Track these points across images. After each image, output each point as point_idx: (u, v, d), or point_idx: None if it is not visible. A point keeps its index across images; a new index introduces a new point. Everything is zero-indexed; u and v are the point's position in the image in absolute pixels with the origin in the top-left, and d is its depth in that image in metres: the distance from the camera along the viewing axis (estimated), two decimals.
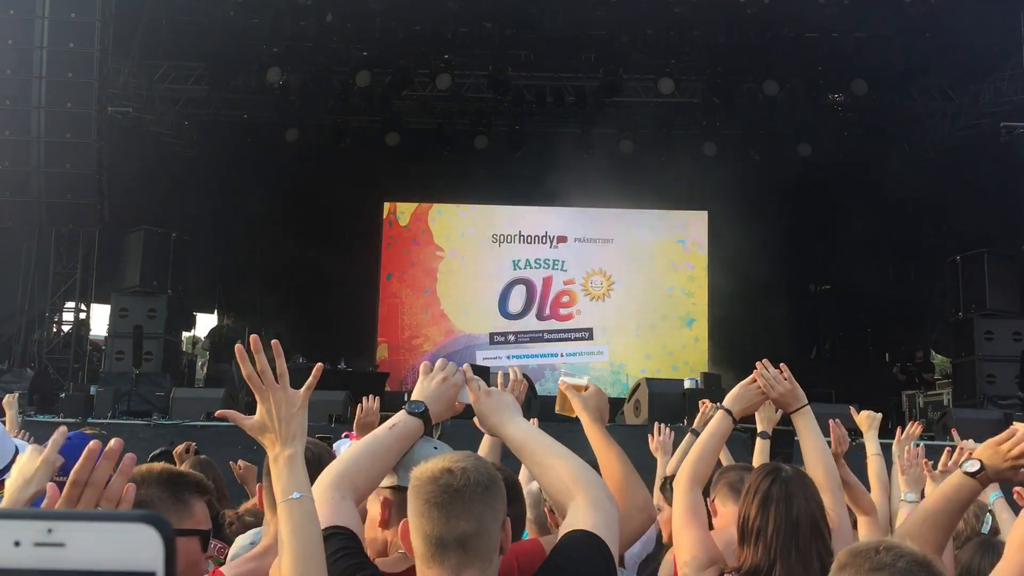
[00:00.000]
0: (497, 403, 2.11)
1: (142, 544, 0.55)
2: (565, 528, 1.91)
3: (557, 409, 2.58)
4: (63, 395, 11.00)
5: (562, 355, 16.51)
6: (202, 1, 12.72)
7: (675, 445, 4.63)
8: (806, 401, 2.93)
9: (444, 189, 16.44)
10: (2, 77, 11.13)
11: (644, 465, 4.69)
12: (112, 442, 1.61)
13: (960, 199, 13.58)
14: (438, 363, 2.23)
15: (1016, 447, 2.34)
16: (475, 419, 2.20)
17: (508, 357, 16.33)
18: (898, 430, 4.31)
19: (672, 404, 8.33)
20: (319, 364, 2.08)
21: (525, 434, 2.04)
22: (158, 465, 2.24)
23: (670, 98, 14.21)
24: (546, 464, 1.96)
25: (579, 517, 1.88)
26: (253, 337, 1.95)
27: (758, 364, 2.94)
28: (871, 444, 4.21)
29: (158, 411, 10.60)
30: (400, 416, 2.12)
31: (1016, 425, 2.53)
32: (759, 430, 3.98)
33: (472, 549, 1.80)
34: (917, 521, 2.31)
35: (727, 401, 2.93)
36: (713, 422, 2.89)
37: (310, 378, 1.97)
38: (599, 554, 1.86)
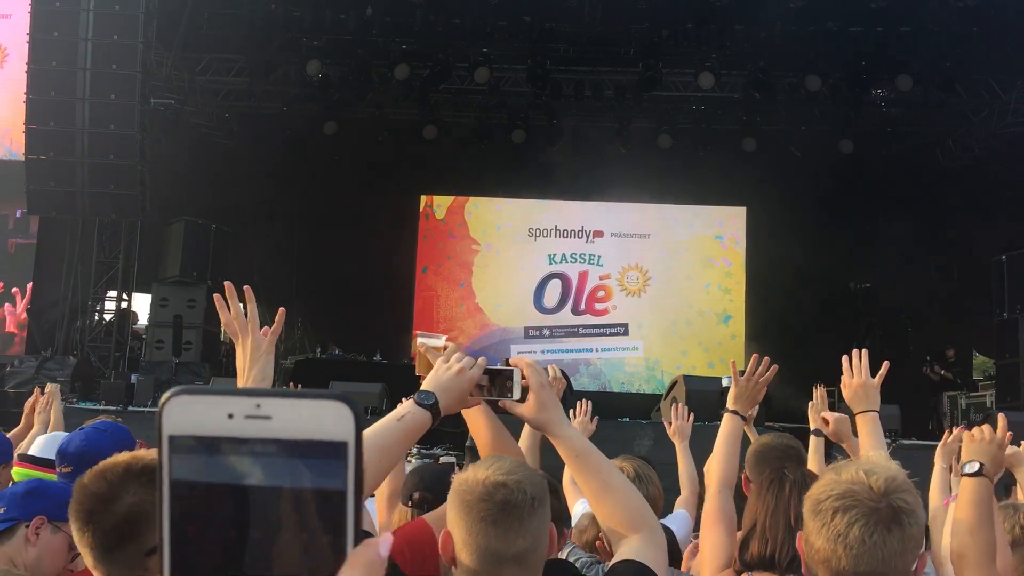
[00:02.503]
0: (556, 399, 1.91)
1: (336, 418, 0.63)
2: (624, 555, 1.84)
3: (417, 371, 2.34)
4: (104, 382, 11.17)
5: (597, 350, 16.46)
6: None
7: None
8: (877, 406, 2.87)
9: (481, 183, 16.45)
10: (48, 68, 11.31)
11: (673, 461, 4.66)
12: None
13: (1006, 196, 13.30)
14: (455, 354, 1.99)
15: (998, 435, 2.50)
16: (519, 408, 1.91)
17: (543, 352, 16.31)
18: (946, 434, 4.16)
19: (710, 402, 8.24)
20: (281, 309, 2.22)
21: (585, 445, 1.88)
22: (132, 460, 1.93)
23: (710, 93, 14.08)
24: (611, 487, 1.83)
25: (640, 551, 1.81)
26: (227, 284, 2.11)
27: (853, 352, 2.90)
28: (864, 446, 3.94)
29: None
30: (408, 406, 1.89)
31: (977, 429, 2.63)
32: (812, 428, 3.91)
33: (527, 563, 1.77)
34: (961, 534, 2.31)
35: (730, 402, 2.89)
36: (726, 426, 2.85)
37: (275, 323, 2.12)
38: None
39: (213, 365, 12.20)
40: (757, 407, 4.89)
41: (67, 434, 3.66)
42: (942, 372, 13.19)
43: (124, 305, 13.13)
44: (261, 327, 2.04)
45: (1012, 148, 13.55)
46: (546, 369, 3.42)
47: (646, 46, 13.79)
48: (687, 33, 13.46)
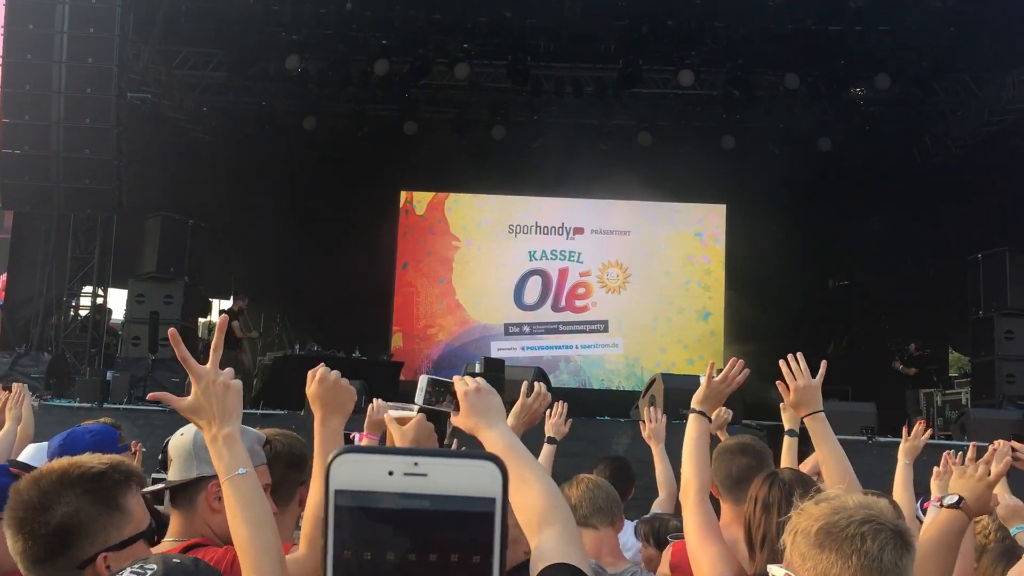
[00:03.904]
0: (486, 402, 1.91)
1: (486, 476, 0.70)
2: (542, 559, 1.83)
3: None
4: (79, 379, 11.05)
5: (577, 347, 16.48)
6: None
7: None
8: (821, 407, 2.81)
9: (461, 179, 16.41)
10: (22, 62, 11.17)
11: (650, 459, 4.65)
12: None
13: (982, 195, 13.42)
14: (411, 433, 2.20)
15: (990, 474, 2.50)
16: (455, 418, 1.97)
17: (523, 348, 16.32)
18: (904, 431, 4.17)
19: (688, 400, 8.27)
20: (223, 316, 2.12)
21: (509, 443, 1.86)
22: (70, 467, 1.87)
23: (689, 90, 14.10)
24: (527, 480, 1.80)
25: (559, 550, 1.78)
26: (171, 331, 2.00)
27: (789, 357, 2.82)
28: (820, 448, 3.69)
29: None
30: None
31: (970, 455, 2.62)
32: (786, 428, 3.89)
33: None
34: (921, 555, 2.31)
35: (696, 403, 2.82)
36: (692, 428, 2.77)
37: (214, 338, 1.94)
38: None
39: None
40: (731, 414, 4.91)
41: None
42: (901, 367, 13.28)
43: (100, 301, 12.99)
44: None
45: (989, 146, 13.67)
46: (532, 385, 3.41)
47: (626, 43, 13.79)
48: (667, 30, 13.45)
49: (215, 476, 2.49)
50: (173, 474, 2.45)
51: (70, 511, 1.79)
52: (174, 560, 1.57)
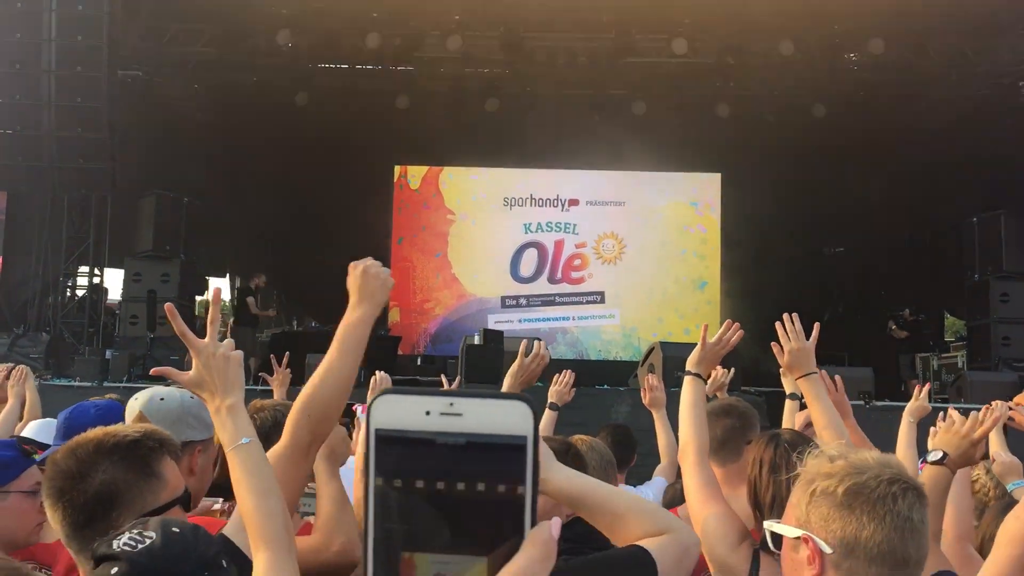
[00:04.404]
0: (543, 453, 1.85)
1: (518, 415, 0.73)
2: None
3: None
4: (78, 359, 11.07)
5: (573, 318, 16.51)
6: None
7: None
8: (815, 367, 2.82)
9: (455, 152, 16.34)
10: (12, 40, 11.09)
11: (651, 427, 4.70)
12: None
13: (977, 159, 13.41)
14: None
15: (976, 429, 2.50)
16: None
17: (520, 321, 16.35)
18: (916, 389, 4.21)
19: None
20: (216, 289, 2.06)
21: (580, 486, 1.76)
22: (106, 436, 1.90)
23: (683, 58, 14.03)
24: (618, 514, 1.73)
25: (651, 540, 1.73)
26: (168, 306, 2.03)
27: (784, 317, 2.83)
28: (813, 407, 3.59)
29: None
30: None
31: (951, 412, 2.64)
32: (787, 392, 3.92)
33: None
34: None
35: (691, 365, 2.80)
36: (688, 390, 2.76)
37: (210, 310, 1.95)
38: (640, 565, 1.73)
39: None
40: (730, 374, 4.93)
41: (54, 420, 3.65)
42: (893, 327, 13.36)
43: (96, 280, 12.98)
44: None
45: (983, 111, 13.64)
46: (532, 342, 3.43)
47: (618, 12, 13.70)
48: None
49: (200, 441, 2.52)
50: None
51: (107, 478, 1.84)
52: (173, 528, 1.59)
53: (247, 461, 1.81)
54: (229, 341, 1.93)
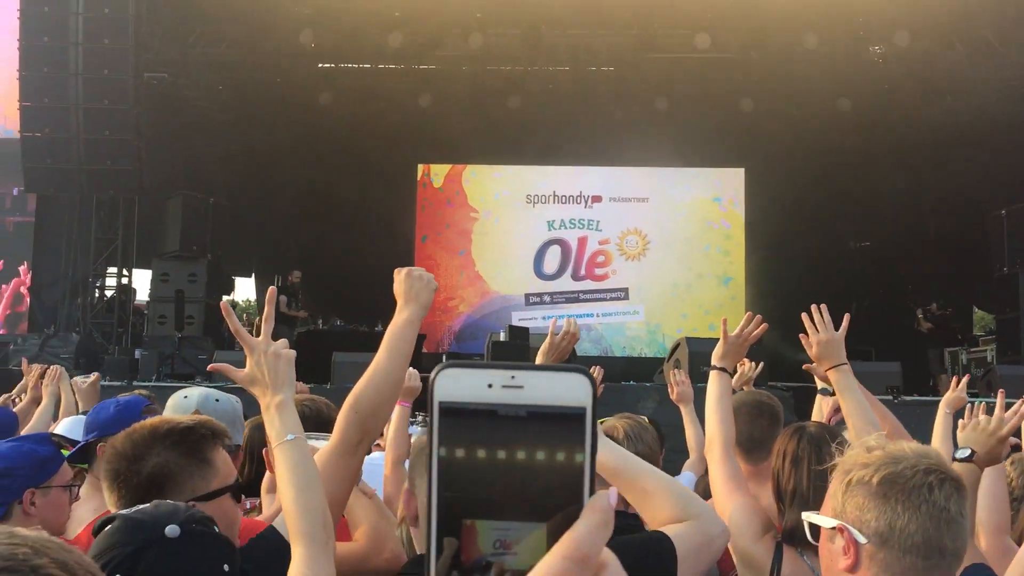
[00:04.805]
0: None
1: (577, 387, 0.75)
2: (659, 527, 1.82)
3: None
4: (108, 358, 11.20)
5: (598, 315, 16.50)
6: None
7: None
8: (845, 359, 2.78)
9: (478, 150, 16.37)
10: (40, 44, 11.23)
11: (678, 423, 4.70)
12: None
13: (1005, 151, 13.25)
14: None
15: (1002, 426, 2.49)
16: None
17: (544, 318, 16.34)
18: (954, 381, 4.18)
19: None
20: (271, 289, 2.11)
21: (618, 458, 1.85)
22: (161, 423, 2.03)
23: (706, 53, 13.96)
24: (648, 491, 1.80)
25: (674, 527, 1.79)
26: (223, 304, 2.09)
27: (812, 308, 2.80)
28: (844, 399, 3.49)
29: (201, 374, 10.78)
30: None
31: (977, 409, 2.61)
32: (819, 387, 3.89)
33: None
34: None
35: (716, 359, 2.83)
36: (714, 384, 2.78)
37: (265, 310, 2.01)
38: (659, 552, 1.81)
39: (216, 338, 12.22)
40: (759, 368, 4.92)
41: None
42: (920, 319, 13.23)
43: (124, 281, 13.13)
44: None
45: (1010, 103, 13.47)
46: (560, 320, 3.45)
47: (641, 7, 13.66)
48: None
49: (238, 446, 2.58)
50: None
51: (160, 461, 1.93)
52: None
53: (292, 457, 1.85)
54: (282, 340, 1.98)
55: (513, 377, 0.75)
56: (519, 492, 0.74)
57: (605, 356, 15.77)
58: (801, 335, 2.81)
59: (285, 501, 1.83)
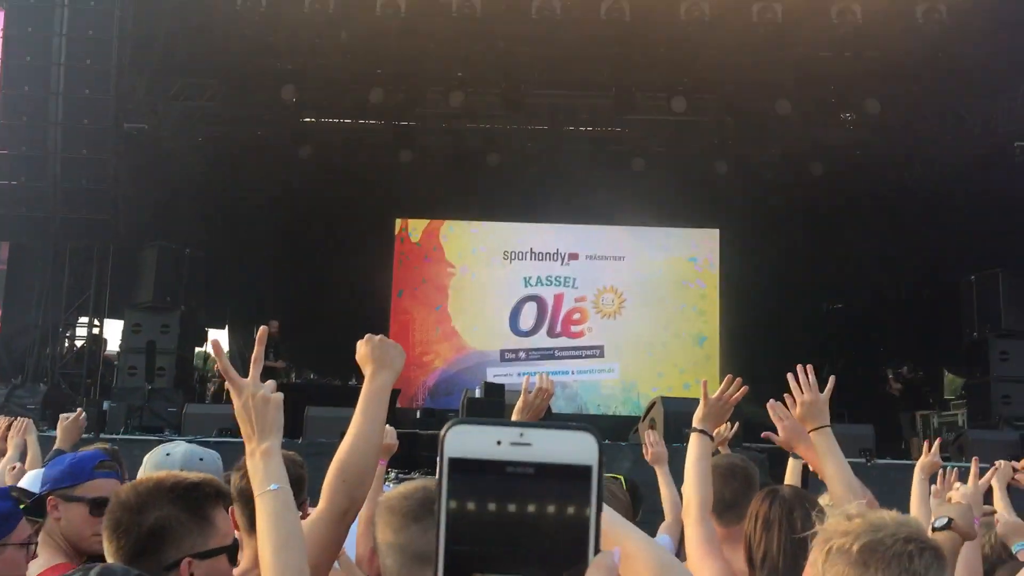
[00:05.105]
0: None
1: (584, 445, 0.77)
2: None
3: None
4: (75, 410, 10.99)
5: (573, 372, 16.47)
6: (217, 19, 12.81)
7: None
8: (828, 421, 2.79)
9: (456, 206, 16.47)
10: (20, 93, 11.24)
11: (652, 481, 4.67)
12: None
13: (974, 218, 13.51)
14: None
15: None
16: None
17: (519, 374, 16.28)
18: (925, 445, 4.21)
19: (688, 423, 8.28)
20: (263, 328, 2.10)
21: (605, 516, 1.81)
22: (167, 477, 2.02)
23: (682, 116, 14.22)
24: (629, 554, 1.69)
25: None
26: (214, 341, 2.25)
27: (798, 368, 2.81)
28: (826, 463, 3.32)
29: (170, 427, 10.62)
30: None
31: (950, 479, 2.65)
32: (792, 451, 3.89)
33: None
34: None
35: (697, 421, 2.84)
36: (694, 447, 2.77)
37: (255, 349, 1.96)
38: None
39: (186, 391, 12.07)
40: (735, 429, 4.92)
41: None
42: (898, 386, 13.34)
43: (96, 331, 12.97)
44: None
45: (980, 170, 13.78)
46: (533, 378, 3.45)
47: (619, 70, 13.93)
48: (659, 57, 13.60)
49: None
50: None
51: (163, 515, 1.94)
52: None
53: (271, 509, 1.81)
54: (272, 383, 1.93)
55: (522, 435, 0.78)
56: (526, 547, 0.76)
57: (580, 413, 15.71)
58: (785, 395, 2.82)
59: (263, 556, 1.78)
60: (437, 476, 0.78)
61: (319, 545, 1.97)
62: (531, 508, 0.76)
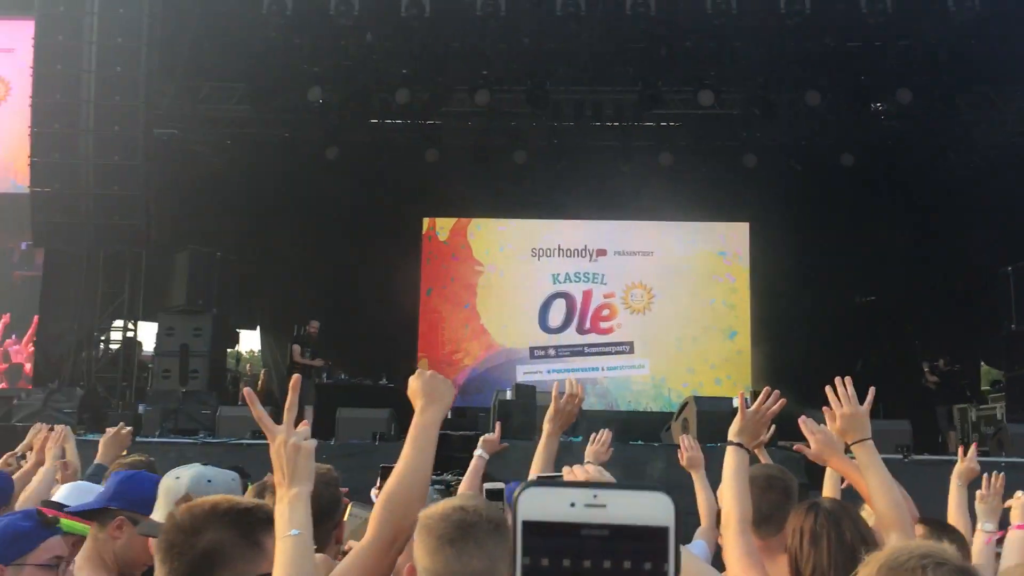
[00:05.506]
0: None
1: (659, 505, 0.77)
2: None
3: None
4: (111, 414, 11.13)
5: (603, 369, 16.43)
6: (244, 23, 12.89)
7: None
8: (870, 434, 2.72)
9: (483, 204, 16.48)
10: (52, 101, 11.37)
11: (686, 484, 4.64)
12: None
13: (1010, 208, 13.29)
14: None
15: None
16: None
17: (548, 372, 16.28)
18: (960, 451, 4.14)
19: (721, 422, 8.20)
20: (295, 377, 2.11)
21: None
22: (222, 501, 2.06)
23: (710, 110, 14.11)
24: None
25: None
26: (247, 391, 2.10)
27: (836, 381, 2.76)
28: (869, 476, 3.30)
29: (204, 429, 10.72)
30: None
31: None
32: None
33: None
34: None
35: (733, 434, 2.79)
36: (731, 460, 2.74)
37: (288, 400, 2.00)
38: None
39: (220, 393, 12.17)
40: (771, 431, 4.87)
41: (89, 484, 3.65)
42: (934, 379, 13.14)
43: (130, 335, 13.12)
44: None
45: (1013, 159, 13.55)
46: (564, 383, 3.44)
47: (645, 65, 13.84)
48: (685, 51, 13.50)
49: None
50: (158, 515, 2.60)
51: (216, 538, 1.95)
52: None
53: (288, 553, 1.87)
54: (304, 430, 1.99)
55: (596, 496, 0.77)
56: None
57: (610, 410, 15.68)
58: (824, 408, 2.77)
59: None
60: (512, 538, 0.78)
61: (366, 574, 2.02)
62: (607, 569, 0.75)
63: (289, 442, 1.94)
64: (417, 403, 2.30)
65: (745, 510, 2.64)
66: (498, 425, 4.29)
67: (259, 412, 2.01)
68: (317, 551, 2.59)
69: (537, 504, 0.76)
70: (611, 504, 0.76)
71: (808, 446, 2.89)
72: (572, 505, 0.76)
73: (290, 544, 1.87)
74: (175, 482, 2.65)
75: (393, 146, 15.51)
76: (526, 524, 0.76)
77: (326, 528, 2.76)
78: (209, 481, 2.66)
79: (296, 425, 2.01)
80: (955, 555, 1.66)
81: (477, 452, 4.20)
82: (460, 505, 1.88)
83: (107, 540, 2.79)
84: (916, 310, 15.07)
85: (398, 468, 2.20)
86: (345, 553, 2.72)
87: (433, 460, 2.25)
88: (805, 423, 2.80)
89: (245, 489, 2.75)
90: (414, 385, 2.31)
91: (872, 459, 2.68)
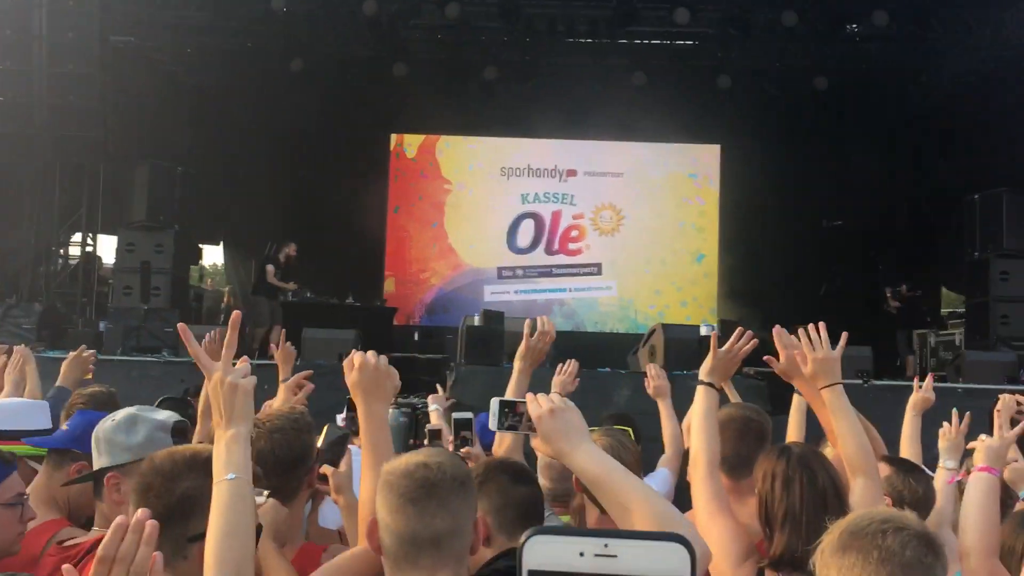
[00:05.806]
0: (564, 424, 1.78)
1: (674, 556, 0.73)
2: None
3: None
4: (72, 331, 10.98)
5: (570, 290, 16.46)
6: None
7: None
8: (840, 378, 2.69)
9: (452, 121, 16.17)
10: (2, 7, 10.88)
11: (651, 411, 4.66)
12: (140, 513, 1.46)
13: (980, 135, 13.29)
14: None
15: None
16: (534, 441, 1.84)
17: (516, 292, 16.29)
18: (915, 380, 4.16)
19: (688, 350, 8.24)
20: (236, 313, 2.02)
21: (599, 467, 1.75)
22: (203, 449, 1.99)
23: (685, 28, 13.83)
24: (627, 507, 1.70)
25: None
26: (181, 326, 2.05)
27: (809, 326, 2.72)
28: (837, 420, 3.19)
29: (167, 347, 10.60)
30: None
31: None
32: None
33: (447, 548, 1.76)
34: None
35: (704, 374, 2.76)
36: (700, 400, 2.71)
37: (227, 336, 1.92)
38: None
39: (183, 311, 12.02)
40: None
41: (32, 401, 3.55)
42: (895, 304, 13.29)
43: (89, 249, 12.86)
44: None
45: (986, 86, 13.50)
46: (536, 320, 3.37)
47: None
48: None
49: (116, 467, 2.46)
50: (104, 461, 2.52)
51: (195, 485, 1.93)
52: None
53: (224, 498, 1.79)
54: (243, 367, 1.91)
55: (606, 546, 0.74)
56: None
57: (577, 331, 15.76)
58: (796, 352, 2.73)
59: (209, 540, 1.77)
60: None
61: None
62: None
63: (226, 380, 1.84)
64: (358, 399, 2.18)
65: (714, 452, 2.62)
66: (574, 363, 4.17)
67: (194, 349, 1.92)
68: (284, 503, 2.53)
69: (544, 553, 0.73)
70: (622, 555, 0.73)
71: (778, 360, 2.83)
72: (581, 555, 0.74)
73: (225, 488, 1.79)
74: (111, 423, 2.55)
75: (360, 60, 15.08)
76: (532, 574, 0.73)
77: (296, 476, 2.61)
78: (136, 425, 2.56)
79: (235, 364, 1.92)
80: (915, 520, 1.66)
81: (432, 408, 4.14)
82: (423, 461, 1.80)
83: (62, 480, 2.71)
84: (882, 235, 15.18)
85: (367, 474, 2.11)
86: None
87: (392, 454, 2.12)
88: (780, 335, 2.75)
89: (184, 434, 2.62)
90: (353, 378, 2.18)
91: (842, 403, 2.65)
